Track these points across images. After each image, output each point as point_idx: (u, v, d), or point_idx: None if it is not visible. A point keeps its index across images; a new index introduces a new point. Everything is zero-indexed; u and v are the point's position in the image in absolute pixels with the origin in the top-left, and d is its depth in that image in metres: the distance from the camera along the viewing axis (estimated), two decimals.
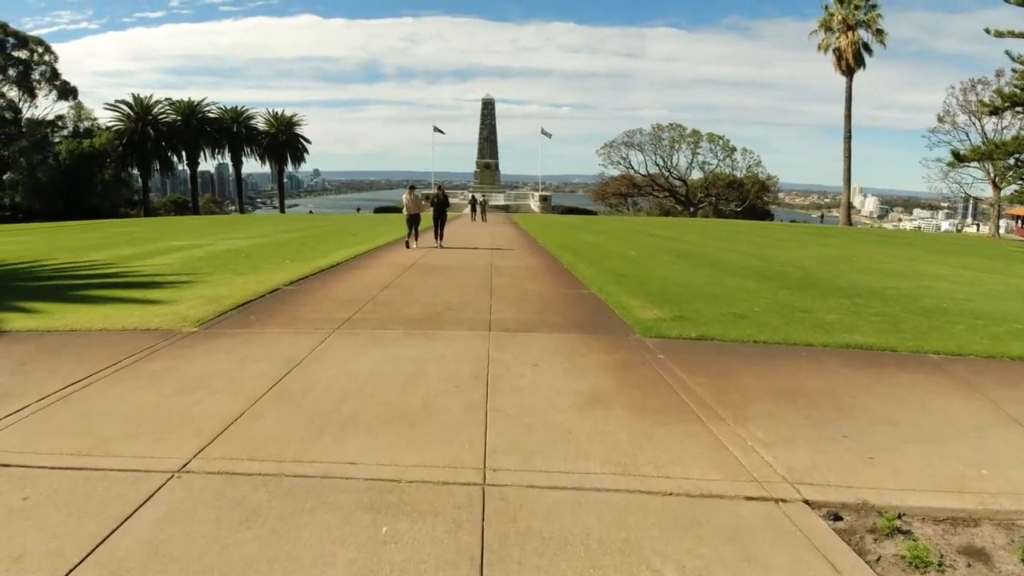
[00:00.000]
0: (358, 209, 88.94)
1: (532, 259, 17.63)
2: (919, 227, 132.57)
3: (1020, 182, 38.37)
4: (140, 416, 5.24)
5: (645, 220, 59.28)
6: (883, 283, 14.27)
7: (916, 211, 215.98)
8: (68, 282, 12.86)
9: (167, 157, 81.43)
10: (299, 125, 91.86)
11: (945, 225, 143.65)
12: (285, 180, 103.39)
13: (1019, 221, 66.16)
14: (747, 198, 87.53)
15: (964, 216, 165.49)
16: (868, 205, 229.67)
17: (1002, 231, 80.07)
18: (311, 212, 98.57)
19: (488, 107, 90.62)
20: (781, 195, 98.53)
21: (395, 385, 5.98)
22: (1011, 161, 39.94)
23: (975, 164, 52.97)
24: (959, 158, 44.35)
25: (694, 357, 7.24)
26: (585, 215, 74.72)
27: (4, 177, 64.01)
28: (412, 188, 21.90)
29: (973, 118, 61.23)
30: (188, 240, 23.50)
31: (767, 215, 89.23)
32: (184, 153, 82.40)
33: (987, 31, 37.81)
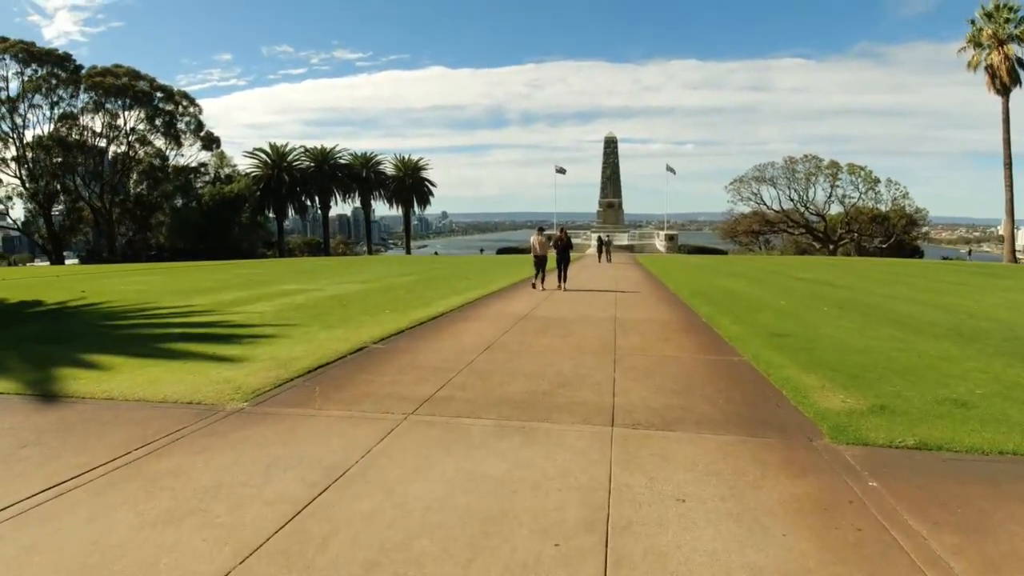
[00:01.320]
0: (481, 250, 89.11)
1: (662, 310, 15.17)
2: None
3: None
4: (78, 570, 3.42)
5: (783, 260, 54.81)
6: None
7: None
8: (151, 331, 11.78)
9: (301, 201, 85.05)
10: (425, 169, 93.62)
11: None
12: (414, 222, 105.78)
13: None
14: (893, 233, 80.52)
15: None
16: (1021, 238, 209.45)
17: None
18: (436, 253, 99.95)
19: (610, 145, 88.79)
20: (926, 229, 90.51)
21: (461, 541, 3.81)
22: None
23: None
24: None
25: (924, 485, 4.71)
26: (714, 254, 70.91)
27: (151, 219, 68.55)
28: (541, 230, 21.28)
29: None
30: (301, 284, 22.68)
31: (916, 252, 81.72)
32: (317, 197, 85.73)
33: None
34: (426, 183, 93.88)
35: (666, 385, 7.53)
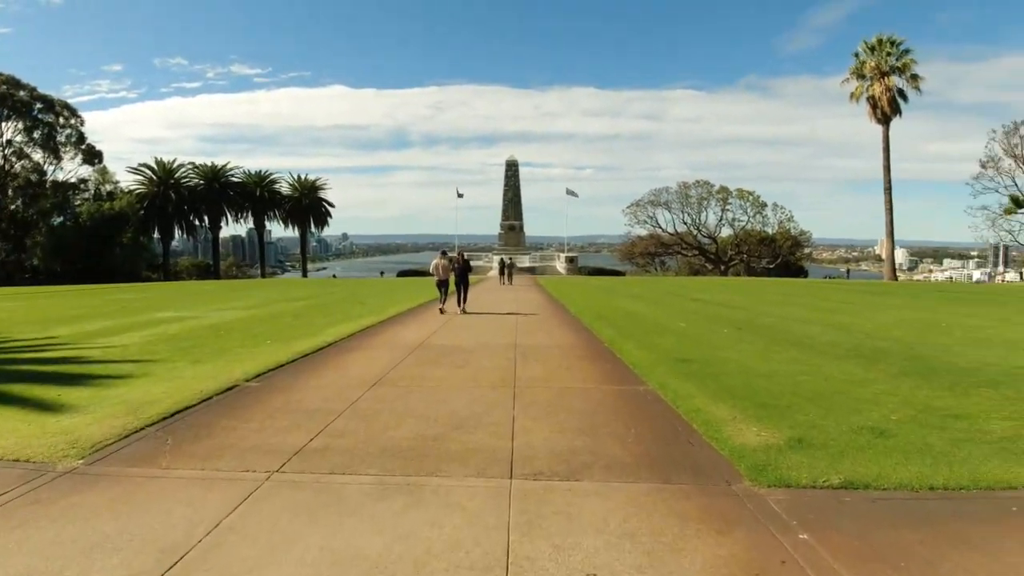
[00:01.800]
0: (382, 273, 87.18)
1: (564, 335, 14.66)
2: (951, 277, 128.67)
3: None
4: None
5: (678, 281, 56.04)
6: (1009, 361, 11.20)
7: (946, 261, 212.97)
8: None
9: (190, 221, 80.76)
10: (322, 189, 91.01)
11: (976, 274, 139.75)
12: (314, 244, 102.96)
13: None
14: (779, 254, 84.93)
15: (996, 264, 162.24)
16: (898, 257, 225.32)
17: None
18: (334, 276, 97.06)
19: (512, 168, 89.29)
20: (809, 250, 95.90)
21: None
22: None
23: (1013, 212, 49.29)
24: (1019, 203, 41.31)
25: (858, 534, 4.25)
26: (613, 276, 71.95)
27: (27, 239, 63.20)
28: (443, 253, 21.47)
29: (1019, 161, 58.16)
30: (180, 310, 20.94)
31: (801, 271, 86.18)
32: (207, 217, 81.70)
33: None
34: (324, 203, 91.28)
35: (570, 422, 6.88)
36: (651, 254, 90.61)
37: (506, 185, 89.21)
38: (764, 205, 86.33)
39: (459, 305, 20.03)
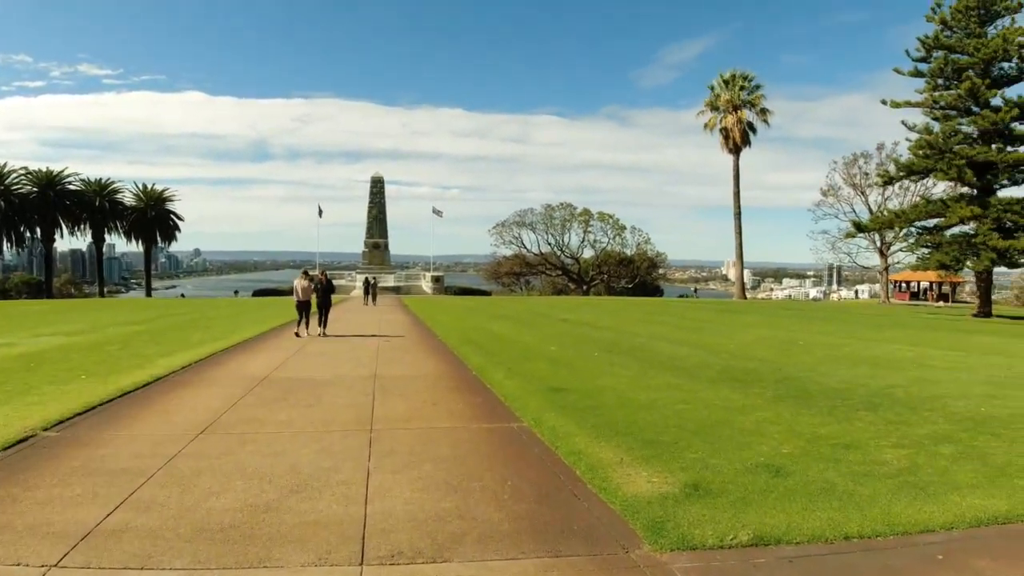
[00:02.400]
0: (236, 292, 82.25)
1: (429, 363, 13.65)
2: (790, 295, 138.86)
3: (924, 248, 38.09)
4: None
5: (544, 300, 56.41)
6: (876, 380, 11.49)
7: (785, 280, 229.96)
8: None
9: (20, 232, 72.70)
10: (171, 200, 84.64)
11: (813, 292, 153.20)
12: (163, 260, 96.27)
13: (898, 285, 68.01)
14: (637, 275, 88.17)
15: (830, 283, 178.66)
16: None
17: (876, 295, 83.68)
18: (183, 295, 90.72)
19: (377, 185, 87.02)
20: (663, 271, 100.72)
21: None
22: (912, 229, 39.91)
23: (862, 235, 53.69)
24: (860, 228, 44.51)
25: None
26: (480, 295, 71.60)
27: None
28: (306, 273, 20.20)
29: (857, 190, 63.56)
30: None
31: (657, 290, 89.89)
32: (39, 228, 73.85)
33: (884, 102, 38.23)
34: (172, 216, 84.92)
35: (437, 476, 5.89)
36: (516, 274, 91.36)
37: (371, 202, 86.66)
38: (623, 228, 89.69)
39: (320, 327, 19.31)
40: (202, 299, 67.27)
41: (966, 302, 74.13)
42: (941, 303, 64.92)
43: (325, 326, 19.51)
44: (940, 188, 54.02)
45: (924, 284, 68.36)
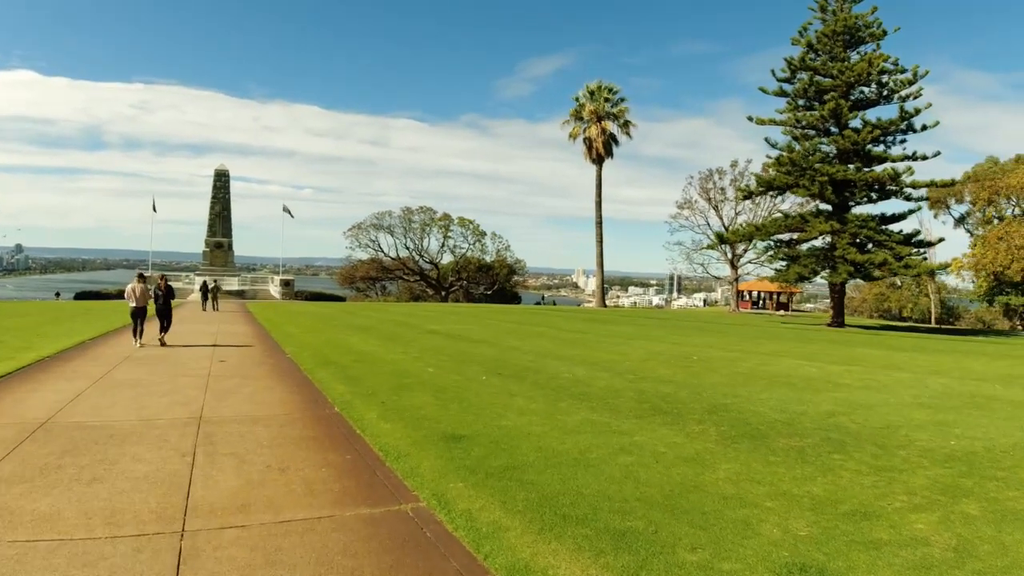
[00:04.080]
0: (57, 294, 72.88)
1: (276, 394, 10.62)
2: (635, 303, 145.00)
3: (782, 261, 39.08)
4: None
5: (404, 308, 53.20)
6: (808, 406, 10.20)
7: (631, 288, 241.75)
8: None
9: None
10: None
11: (656, 300, 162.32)
12: None
13: (739, 295, 71.08)
14: (496, 281, 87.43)
15: (671, 291, 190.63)
16: (591, 284, 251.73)
17: (722, 304, 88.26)
18: None
19: (222, 179, 79.98)
20: (521, 278, 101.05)
21: None
22: (771, 242, 40.95)
23: (723, 246, 55.36)
24: (722, 239, 45.34)
25: None
26: (333, 301, 67.40)
27: None
28: (141, 276, 19.06)
29: (711, 204, 65.68)
30: None
31: (516, 297, 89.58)
32: None
33: (750, 119, 38.84)
34: None
35: None
36: (372, 279, 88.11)
37: (214, 197, 79.37)
38: (484, 234, 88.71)
39: (161, 333, 18.11)
40: (11, 302, 58.49)
41: (800, 311, 79.12)
42: (781, 312, 68.43)
43: (165, 332, 18.15)
44: (787, 204, 56.88)
45: (763, 294, 72.10)
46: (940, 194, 54.10)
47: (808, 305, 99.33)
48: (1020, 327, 61.43)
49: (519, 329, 26.78)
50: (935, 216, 66.13)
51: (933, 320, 71.98)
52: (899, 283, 72.75)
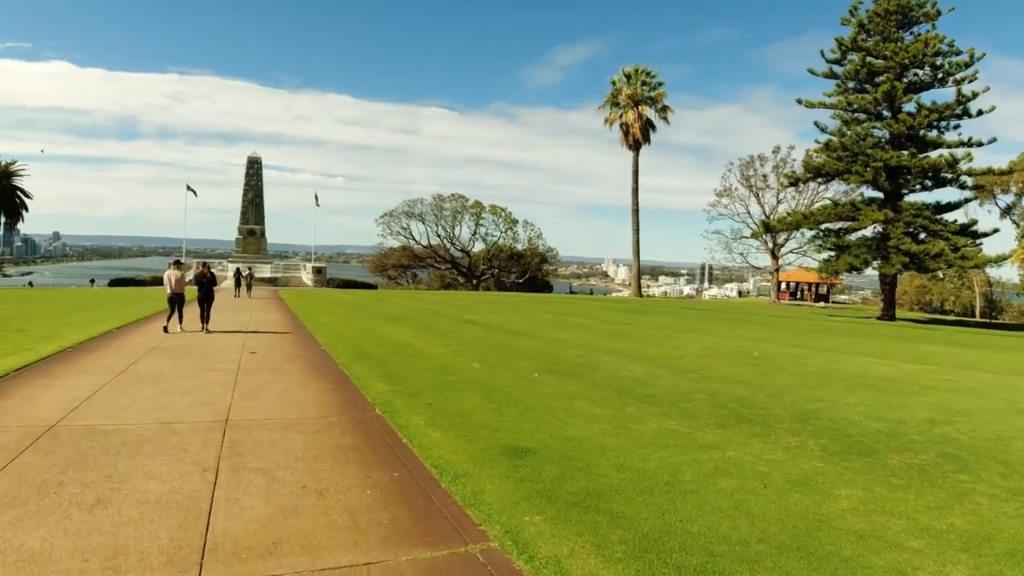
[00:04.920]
0: (92, 281, 73.31)
1: (311, 392, 9.61)
2: (666, 292, 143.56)
3: (831, 251, 37.43)
4: None
5: (436, 296, 52.25)
6: (900, 412, 9.06)
7: (661, 278, 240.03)
8: None
9: None
10: (18, 175, 73.95)
11: (687, 289, 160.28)
12: (19, 243, 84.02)
13: (780, 286, 68.86)
14: (528, 269, 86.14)
15: (702, 281, 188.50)
16: (621, 274, 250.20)
17: (754, 294, 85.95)
18: (31, 284, 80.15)
19: (254, 166, 79.69)
20: (554, 266, 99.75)
21: None
22: (819, 230, 39.27)
23: (767, 235, 53.70)
24: (768, 228, 43.69)
25: None
26: (365, 289, 66.85)
27: None
28: (178, 264, 18.50)
29: (752, 192, 63.75)
30: None
31: (547, 286, 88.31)
32: None
33: (799, 101, 37.12)
34: (19, 192, 74.65)
35: None
36: (403, 266, 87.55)
37: (247, 185, 79.11)
38: (515, 222, 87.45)
39: (203, 322, 17.79)
40: (48, 288, 58.77)
41: (838, 303, 76.79)
42: (821, 303, 66.30)
43: (207, 321, 17.85)
44: (830, 192, 54.86)
45: (802, 285, 69.86)
46: (987, 182, 51.68)
47: (843, 296, 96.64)
48: None
49: (558, 320, 25.66)
50: (980, 205, 63.54)
51: (977, 314, 69.48)
52: (941, 275, 70.18)
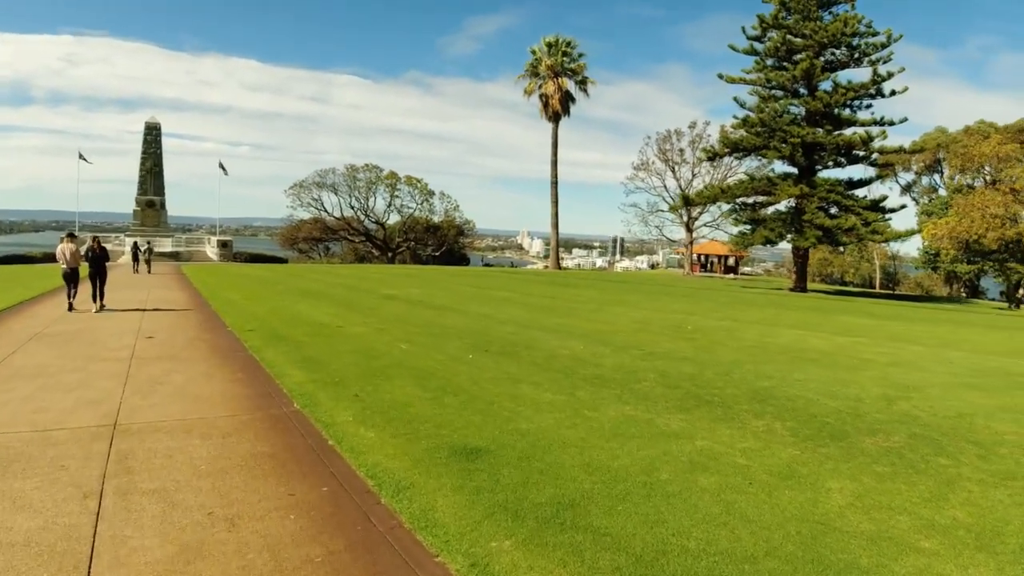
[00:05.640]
0: None
1: (215, 384, 8.35)
2: (579, 264, 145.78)
3: (747, 224, 38.06)
4: None
5: (352, 270, 50.33)
6: (854, 389, 8.72)
7: (575, 250, 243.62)
8: None
9: None
10: None
11: (599, 262, 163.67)
12: None
13: (693, 258, 70.27)
14: (444, 242, 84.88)
15: (614, 254, 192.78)
16: (536, 246, 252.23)
17: (664, 267, 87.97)
18: None
19: (153, 132, 74.60)
20: (470, 239, 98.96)
21: None
22: (735, 204, 39.82)
23: (684, 208, 54.41)
24: (687, 201, 44.01)
25: None
26: (275, 263, 64.03)
27: None
28: (72, 236, 17.80)
29: (668, 166, 64.49)
30: None
31: (464, 259, 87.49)
32: None
33: (720, 76, 37.25)
34: None
35: None
36: (315, 239, 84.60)
37: (145, 153, 73.83)
38: (432, 194, 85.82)
39: (95, 301, 16.66)
40: None
41: (747, 275, 79.26)
42: (731, 275, 68.05)
43: (102, 298, 16.79)
44: (743, 168, 56.07)
45: (712, 257, 71.46)
46: (896, 160, 53.78)
47: (747, 268, 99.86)
48: (964, 293, 62.72)
49: (481, 294, 24.85)
50: (882, 183, 66.59)
51: (877, 285, 72.97)
52: (842, 249, 73.45)
